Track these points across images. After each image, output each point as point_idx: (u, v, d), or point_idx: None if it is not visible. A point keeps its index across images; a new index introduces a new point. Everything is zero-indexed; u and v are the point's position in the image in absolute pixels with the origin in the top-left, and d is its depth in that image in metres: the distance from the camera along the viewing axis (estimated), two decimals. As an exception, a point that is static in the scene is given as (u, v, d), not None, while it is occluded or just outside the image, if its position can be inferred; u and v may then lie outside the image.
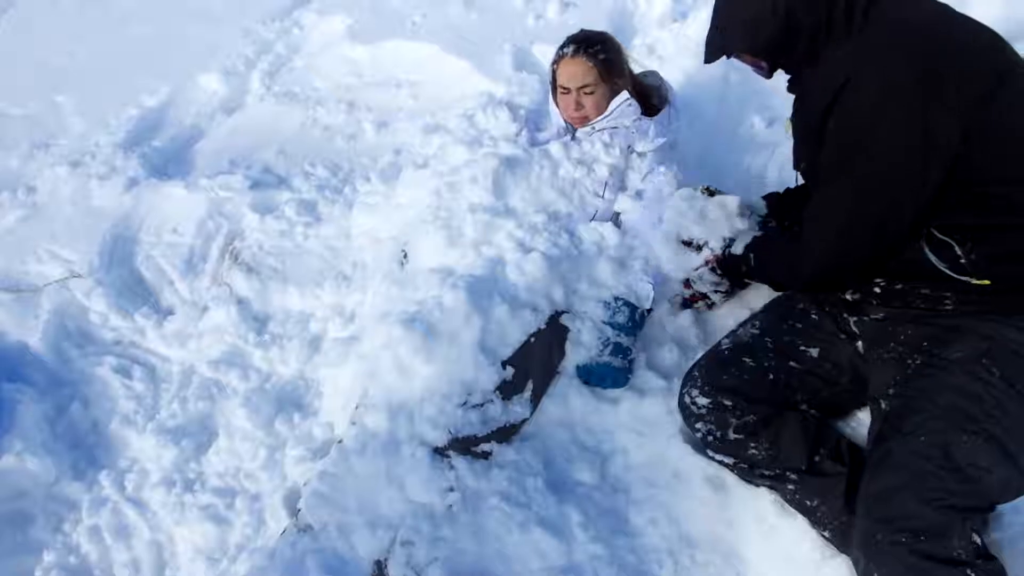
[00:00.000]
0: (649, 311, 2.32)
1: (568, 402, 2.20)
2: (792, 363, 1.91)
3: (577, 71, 2.50)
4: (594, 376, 2.17)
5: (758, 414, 1.84)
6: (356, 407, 2.09)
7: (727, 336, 2.07)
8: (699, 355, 2.13)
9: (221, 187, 3.16)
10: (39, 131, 3.92)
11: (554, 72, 2.60)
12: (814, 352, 1.92)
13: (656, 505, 1.98)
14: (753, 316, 2.12)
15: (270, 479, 2.23)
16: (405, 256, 2.49)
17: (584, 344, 2.18)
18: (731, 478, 1.95)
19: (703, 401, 1.90)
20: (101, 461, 2.42)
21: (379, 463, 1.90)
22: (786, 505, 1.86)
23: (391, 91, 3.86)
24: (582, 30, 2.62)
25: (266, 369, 2.58)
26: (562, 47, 2.56)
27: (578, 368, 2.18)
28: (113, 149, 3.59)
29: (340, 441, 2.02)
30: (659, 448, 2.05)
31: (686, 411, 1.95)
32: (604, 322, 2.21)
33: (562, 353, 2.18)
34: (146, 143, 3.68)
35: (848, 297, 1.89)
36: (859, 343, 1.90)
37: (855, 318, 1.90)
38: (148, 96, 4.03)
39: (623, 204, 2.43)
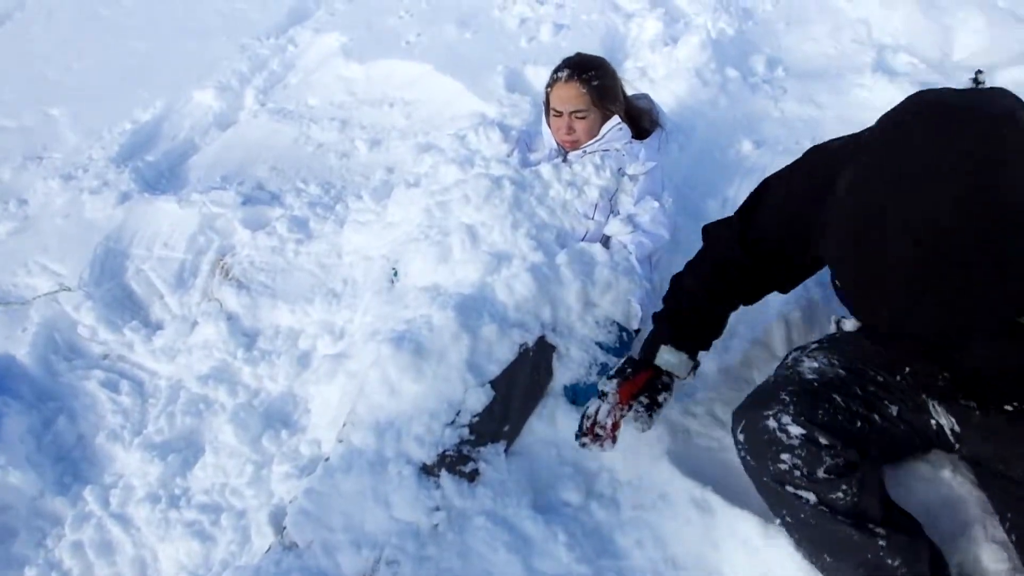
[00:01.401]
0: (637, 332, 2.33)
1: (555, 422, 2.20)
2: (875, 414, 1.74)
3: (570, 96, 2.53)
4: (581, 396, 2.17)
5: (848, 457, 1.65)
6: (343, 424, 2.09)
7: (796, 367, 1.84)
8: (760, 379, 1.95)
9: (213, 202, 3.17)
10: (32, 143, 3.93)
11: (548, 94, 2.63)
12: (894, 410, 1.75)
13: (642, 526, 1.98)
14: (820, 351, 1.87)
15: (256, 496, 2.22)
16: (395, 274, 2.50)
17: (572, 364, 2.19)
18: (717, 501, 1.95)
19: (796, 431, 1.66)
20: (86, 476, 2.41)
21: (365, 481, 1.90)
22: (770, 527, 1.85)
23: (384, 110, 3.89)
24: (578, 53, 2.65)
25: (254, 385, 2.57)
26: (557, 70, 2.59)
27: (565, 388, 2.19)
28: (106, 163, 3.60)
29: (327, 459, 2.01)
30: (645, 469, 2.06)
31: (770, 437, 1.68)
32: (592, 343, 2.22)
33: (550, 373, 2.19)
34: (139, 157, 3.70)
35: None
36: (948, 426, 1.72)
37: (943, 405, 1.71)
38: (142, 111, 4.05)
39: (613, 226, 2.45)
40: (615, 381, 1.91)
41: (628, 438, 2.13)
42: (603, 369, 2.18)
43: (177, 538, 2.15)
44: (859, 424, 1.71)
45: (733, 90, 3.59)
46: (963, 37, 3.80)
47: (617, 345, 2.24)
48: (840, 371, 1.79)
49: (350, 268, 2.81)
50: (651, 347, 1.94)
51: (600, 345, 2.22)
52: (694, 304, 1.94)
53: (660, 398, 1.92)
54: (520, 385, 2.10)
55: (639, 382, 1.91)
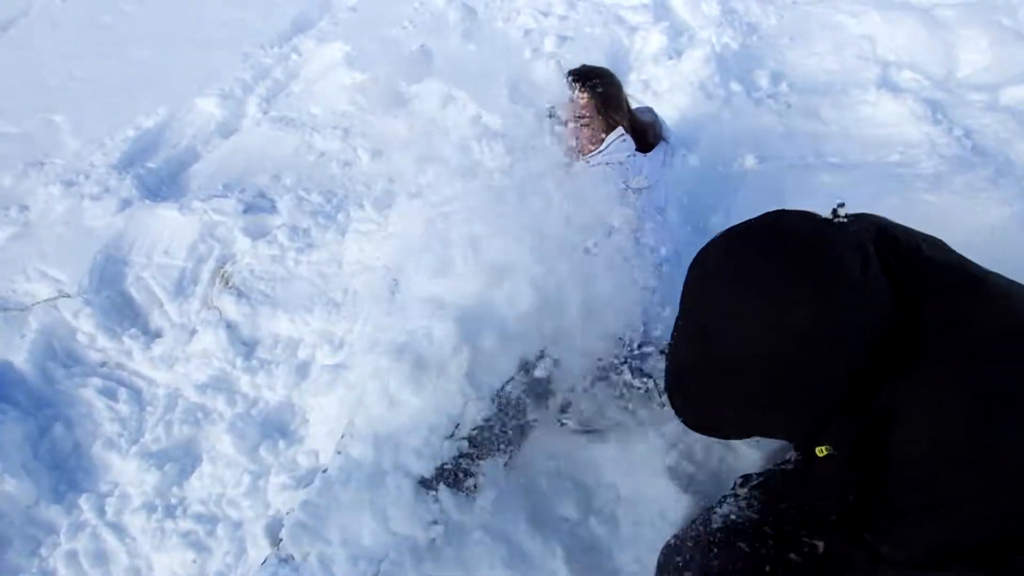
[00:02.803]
0: (639, 347, 2.31)
1: (556, 436, 2.19)
2: (791, 554, 1.64)
3: (574, 102, 2.54)
4: (582, 411, 2.16)
5: None
6: (342, 436, 2.08)
7: (710, 513, 1.76)
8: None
9: (214, 210, 3.16)
10: (34, 150, 3.92)
11: (553, 103, 2.63)
12: (820, 546, 1.61)
13: (641, 543, 1.96)
14: (738, 493, 1.79)
15: (252, 507, 2.21)
16: (396, 285, 2.49)
17: (573, 378, 2.17)
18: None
19: None
20: (82, 484, 2.39)
21: (363, 494, 1.88)
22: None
23: (387, 119, 3.88)
24: (583, 64, 2.66)
25: (253, 395, 2.56)
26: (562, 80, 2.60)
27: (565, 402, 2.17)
28: (107, 170, 3.59)
29: (324, 470, 2.00)
30: (645, 486, 2.04)
31: None
32: (593, 356, 2.20)
33: (551, 387, 2.17)
34: (141, 164, 3.69)
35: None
36: None
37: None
38: (145, 118, 4.05)
39: (616, 239, 2.44)
40: None
41: (628, 455, 2.12)
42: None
43: (172, 548, 2.14)
44: (767, 569, 1.61)
45: (737, 104, 3.59)
46: (967, 55, 3.81)
47: (619, 360, 2.23)
48: (753, 514, 1.72)
49: (350, 278, 2.81)
50: None
51: (600, 359, 2.21)
52: None
53: None
54: (520, 399, 2.08)
55: None
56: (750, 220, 1.30)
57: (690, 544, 1.71)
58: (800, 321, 1.17)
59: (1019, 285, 1.35)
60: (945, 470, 1.18)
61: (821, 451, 1.39)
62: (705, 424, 1.42)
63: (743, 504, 1.74)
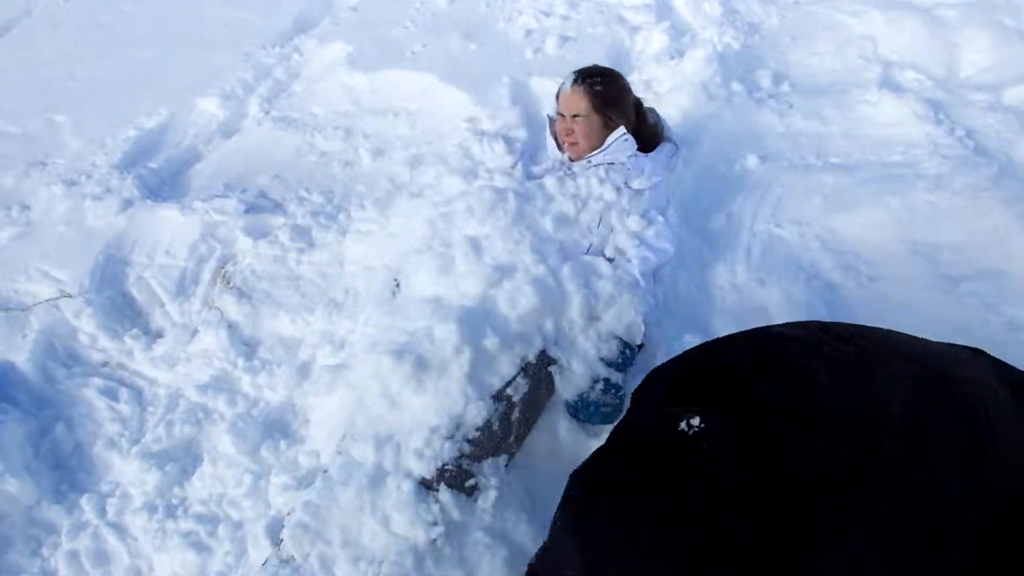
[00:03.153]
0: (640, 347, 2.31)
1: (557, 436, 2.18)
2: None
3: (571, 99, 2.58)
4: (584, 412, 2.16)
5: None
6: (343, 436, 2.08)
7: None
8: None
9: (215, 210, 3.16)
10: (36, 150, 3.92)
11: (557, 100, 2.66)
12: None
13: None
14: None
15: (253, 507, 2.20)
16: (397, 285, 2.49)
17: (574, 379, 2.17)
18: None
19: None
20: (83, 484, 2.39)
21: (364, 495, 1.88)
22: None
23: (388, 119, 3.88)
24: (593, 64, 2.69)
25: (254, 395, 2.56)
26: (566, 77, 2.62)
27: (567, 403, 2.17)
28: (109, 170, 3.59)
29: (325, 471, 2.00)
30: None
31: None
32: (595, 357, 2.20)
33: (551, 387, 2.17)
34: (142, 164, 3.69)
35: None
36: None
37: None
38: (146, 118, 4.05)
39: (617, 240, 2.44)
40: None
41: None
42: (605, 385, 2.16)
43: (173, 548, 2.13)
44: None
45: (738, 104, 3.59)
46: (969, 55, 3.81)
47: (620, 360, 2.23)
48: None
49: (352, 278, 2.80)
50: None
51: (602, 360, 2.21)
52: None
53: None
54: (521, 399, 2.08)
55: None
56: None
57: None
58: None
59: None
60: None
61: None
62: None
63: None
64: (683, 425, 1.24)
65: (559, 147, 2.69)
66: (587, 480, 1.33)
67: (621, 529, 1.24)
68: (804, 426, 1.26)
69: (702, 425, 1.23)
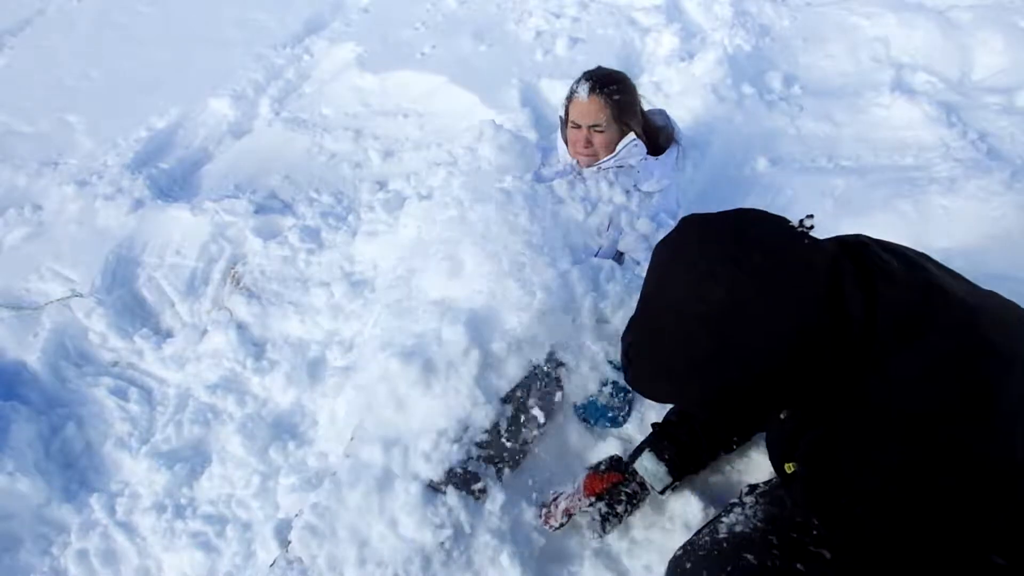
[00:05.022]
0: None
1: (566, 439, 2.18)
2: (798, 563, 1.60)
3: (590, 109, 2.53)
4: (592, 415, 2.15)
5: None
6: (351, 438, 2.08)
7: (717, 523, 1.75)
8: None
9: (225, 211, 3.17)
10: (48, 149, 3.95)
11: (567, 107, 2.61)
12: (827, 553, 1.59)
13: (652, 549, 1.95)
14: (745, 501, 1.77)
15: (262, 508, 2.21)
16: (406, 287, 2.49)
17: (582, 381, 2.16)
18: (727, 523, 1.92)
19: None
20: (93, 483, 2.41)
21: (372, 497, 1.88)
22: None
23: (398, 121, 3.89)
24: (600, 67, 2.64)
25: (263, 395, 2.56)
26: (578, 83, 2.58)
27: (575, 406, 2.16)
28: (120, 170, 3.61)
29: (334, 473, 2.00)
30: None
31: None
32: (603, 360, 2.20)
33: (560, 390, 2.16)
34: (153, 164, 3.71)
35: None
36: None
37: None
38: (158, 118, 4.07)
39: (627, 243, 2.43)
40: (587, 471, 1.94)
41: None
42: (614, 388, 2.15)
43: (182, 548, 2.14)
44: None
45: (749, 107, 3.57)
46: (982, 57, 3.77)
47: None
48: (758, 523, 1.70)
49: (361, 279, 2.80)
50: (636, 450, 1.94)
51: (611, 363, 2.20)
52: (690, 429, 1.92)
53: (620, 508, 1.91)
54: (529, 402, 2.08)
55: (606, 481, 1.91)
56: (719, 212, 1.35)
57: (699, 555, 1.70)
58: (717, 296, 1.20)
59: (989, 301, 1.36)
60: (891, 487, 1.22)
61: (789, 468, 1.44)
62: (644, 389, 1.43)
63: (749, 513, 1.74)
64: (794, 222, 1.28)
65: (570, 152, 2.67)
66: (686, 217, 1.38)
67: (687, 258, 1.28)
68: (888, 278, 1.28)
69: (813, 228, 1.27)
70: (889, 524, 1.25)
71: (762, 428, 1.72)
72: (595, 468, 1.95)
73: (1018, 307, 1.44)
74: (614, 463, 1.95)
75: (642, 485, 1.92)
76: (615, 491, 1.91)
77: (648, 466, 1.89)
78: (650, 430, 2.02)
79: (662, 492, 1.91)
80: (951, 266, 2.56)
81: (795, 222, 1.27)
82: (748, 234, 1.26)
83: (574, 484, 1.95)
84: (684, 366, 1.28)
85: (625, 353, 1.39)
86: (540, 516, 1.96)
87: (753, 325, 1.20)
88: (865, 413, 1.26)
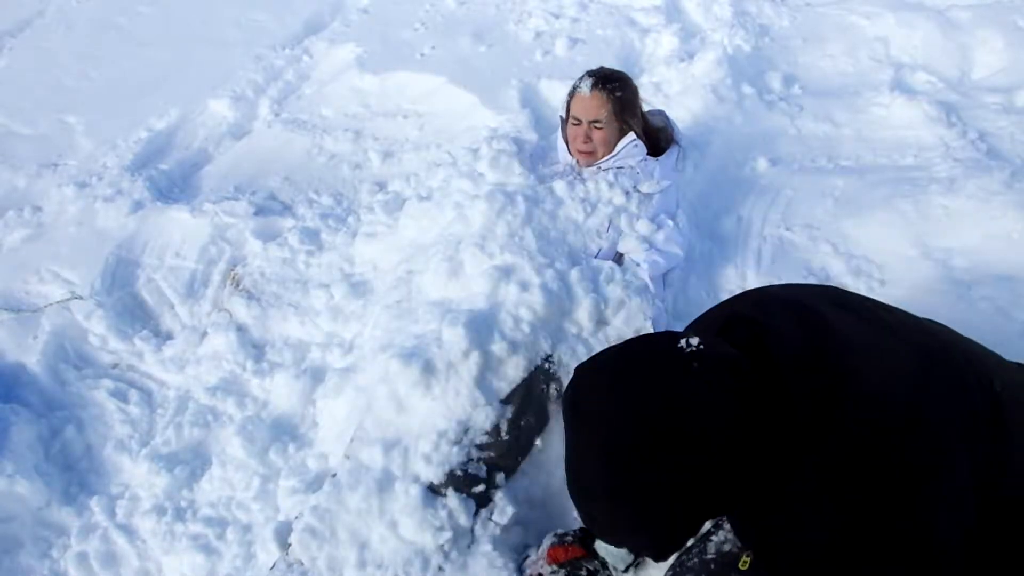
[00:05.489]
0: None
1: (565, 441, 2.17)
2: None
3: (591, 105, 2.54)
4: (592, 416, 2.15)
5: None
6: (351, 440, 2.08)
7: (706, 542, 1.74)
8: None
9: (225, 212, 3.17)
10: (48, 151, 3.95)
11: (568, 104, 2.62)
12: None
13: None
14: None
15: (262, 510, 2.21)
16: (406, 288, 2.49)
17: (582, 383, 2.16)
18: (727, 524, 1.92)
19: None
20: (93, 486, 2.40)
21: (372, 499, 1.88)
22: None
23: (398, 121, 3.88)
24: (601, 67, 2.66)
25: (263, 397, 2.56)
26: (580, 79, 2.60)
27: (576, 408, 2.16)
28: (120, 171, 3.61)
29: (334, 475, 2.00)
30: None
31: None
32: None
33: (559, 392, 2.16)
34: (153, 166, 3.71)
35: None
36: None
37: None
38: (157, 119, 4.07)
39: (627, 244, 2.43)
40: (552, 538, 1.91)
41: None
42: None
43: (182, 551, 2.14)
44: None
45: (749, 107, 3.57)
46: (982, 56, 3.77)
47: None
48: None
49: (360, 281, 2.80)
50: None
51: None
52: None
53: None
54: (529, 404, 2.08)
55: (568, 553, 1.87)
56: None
57: (695, 570, 1.71)
58: (619, 465, 1.18)
59: (906, 359, 1.33)
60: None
61: (744, 563, 1.47)
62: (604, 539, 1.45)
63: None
64: (682, 343, 1.23)
65: (569, 151, 2.67)
66: (582, 365, 1.35)
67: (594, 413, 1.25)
68: (812, 366, 1.26)
69: (700, 347, 1.22)
70: None
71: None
72: (561, 537, 1.91)
73: (951, 341, 1.43)
74: (579, 536, 1.91)
75: (604, 564, 1.88)
76: (576, 564, 1.87)
77: (608, 547, 1.84)
78: None
79: (625, 571, 1.87)
80: (951, 266, 2.57)
81: (683, 343, 1.24)
82: (637, 386, 1.22)
83: (538, 549, 1.92)
84: (621, 530, 1.30)
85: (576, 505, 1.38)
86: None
87: (667, 460, 1.17)
88: (794, 505, 1.26)
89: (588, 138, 2.56)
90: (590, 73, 2.61)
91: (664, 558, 1.45)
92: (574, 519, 2.03)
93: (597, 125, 2.54)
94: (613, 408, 1.20)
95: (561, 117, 2.74)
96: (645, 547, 1.40)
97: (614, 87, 2.55)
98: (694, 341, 1.22)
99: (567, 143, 2.68)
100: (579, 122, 2.57)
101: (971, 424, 1.28)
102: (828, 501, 1.22)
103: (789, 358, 1.27)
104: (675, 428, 1.17)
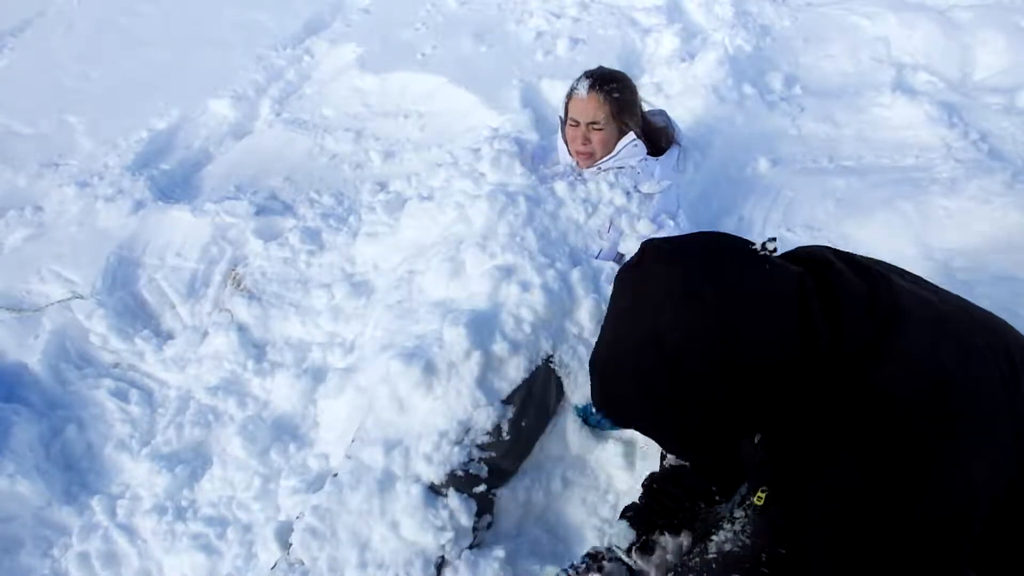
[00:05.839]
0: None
1: (566, 441, 2.18)
2: None
3: (589, 107, 2.53)
4: (592, 416, 2.15)
5: None
6: (352, 440, 2.08)
7: (707, 542, 1.70)
8: None
9: (226, 212, 3.17)
10: (49, 151, 3.95)
11: (567, 105, 2.62)
12: None
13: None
14: (735, 516, 1.69)
15: (263, 510, 2.20)
16: (407, 288, 2.49)
17: (583, 383, 2.16)
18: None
19: None
20: (94, 486, 2.40)
21: (373, 499, 1.88)
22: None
23: (399, 121, 3.89)
24: (600, 66, 2.65)
25: (264, 397, 2.56)
26: (578, 81, 2.58)
27: (576, 408, 2.16)
28: (121, 171, 3.62)
29: (335, 475, 2.00)
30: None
31: None
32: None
33: (560, 392, 2.16)
34: (154, 166, 3.71)
35: None
36: None
37: None
38: (158, 119, 4.07)
39: (627, 245, 2.43)
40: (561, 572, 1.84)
41: (636, 461, 2.11)
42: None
43: (183, 551, 2.13)
44: None
45: (750, 107, 3.57)
46: (983, 57, 3.78)
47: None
48: (746, 539, 1.67)
49: (361, 281, 2.80)
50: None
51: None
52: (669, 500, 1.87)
53: None
54: (530, 404, 2.08)
55: None
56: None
57: (695, 570, 1.69)
58: (680, 326, 1.19)
59: (955, 315, 1.34)
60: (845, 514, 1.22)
61: (759, 497, 1.45)
62: (611, 412, 1.41)
63: (738, 529, 1.71)
64: (756, 244, 1.25)
65: (569, 152, 2.67)
66: (653, 241, 1.35)
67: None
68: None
69: (774, 251, 1.24)
70: (850, 547, 1.23)
71: (730, 459, 1.71)
72: (565, 571, 1.85)
73: (985, 316, 1.44)
74: (587, 562, 1.85)
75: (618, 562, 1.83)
76: None
77: (612, 530, 1.84)
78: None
79: (628, 551, 1.83)
80: (952, 267, 2.58)
81: (758, 245, 1.25)
82: (712, 262, 1.23)
83: None
84: (642, 395, 1.25)
85: (592, 374, 1.37)
86: None
87: (716, 356, 1.18)
88: (827, 438, 1.25)
89: (587, 140, 2.56)
90: (587, 74, 2.59)
91: (685, 455, 1.41)
92: (574, 518, 2.03)
93: (595, 127, 2.54)
94: (679, 289, 1.20)
95: (560, 117, 2.74)
96: (667, 440, 1.39)
97: (611, 88, 2.53)
98: (770, 245, 1.23)
99: (567, 144, 2.68)
100: (577, 123, 2.57)
101: (1009, 386, 1.27)
102: (861, 441, 1.21)
103: (849, 295, 1.27)
104: (734, 323, 1.17)
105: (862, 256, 1.41)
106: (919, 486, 1.18)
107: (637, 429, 1.39)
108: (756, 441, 1.45)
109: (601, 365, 1.32)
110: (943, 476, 1.18)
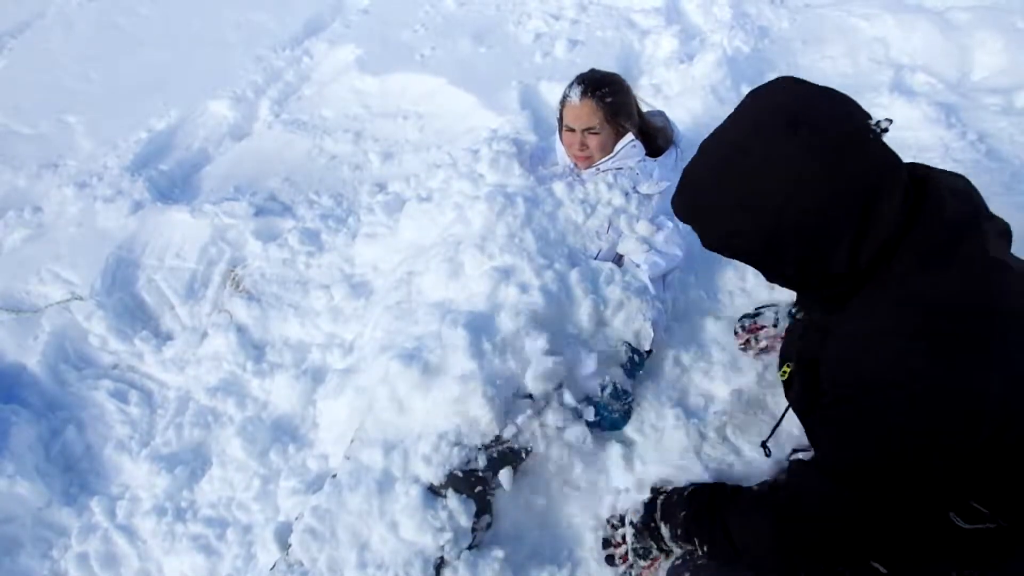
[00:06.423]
0: (649, 352, 2.30)
1: (564, 442, 2.17)
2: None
3: (583, 113, 2.52)
4: (608, 418, 2.15)
5: None
6: (351, 441, 2.08)
7: None
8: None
9: (225, 213, 3.17)
10: (48, 151, 3.96)
11: (561, 111, 2.61)
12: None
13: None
14: None
15: (262, 511, 2.21)
16: (406, 289, 2.49)
17: (583, 385, 2.16)
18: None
19: None
20: (93, 487, 2.40)
21: (372, 500, 1.89)
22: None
23: (398, 122, 3.89)
24: (592, 69, 2.63)
25: (263, 398, 2.56)
26: (570, 86, 2.57)
27: (576, 408, 2.16)
28: (120, 171, 3.62)
29: (334, 475, 2.00)
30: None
31: None
32: (604, 363, 2.20)
33: (560, 392, 2.16)
34: (153, 166, 3.72)
35: None
36: None
37: None
38: (157, 120, 4.07)
39: (626, 245, 2.43)
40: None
41: (636, 461, 2.11)
42: (614, 391, 2.15)
43: (182, 552, 2.14)
44: None
45: (748, 108, 3.56)
46: (982, 57, 3.78)
47: (628, 366, 2.22)
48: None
49: (361, 282, 2.80)
50: None
51: (620, 365, 2.20)
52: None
53: None
54: (530, 404, 2.08)
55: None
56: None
57: (697, 564, 1.72)
58: (790, 152, 1.29)
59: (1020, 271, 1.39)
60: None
61: (784, 372, 1.57)
62: (699, 214, 1.52)
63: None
64: (872, 120, 1.32)
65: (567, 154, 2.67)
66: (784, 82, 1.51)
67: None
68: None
69: (887, 131, 1.32)
70: (863, 426, 1.31)
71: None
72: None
73: None
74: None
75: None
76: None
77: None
78: (648, 430, 2.04)
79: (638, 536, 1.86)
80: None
81: (873, 121, 1.32)
82: (835, 112, 1.32)
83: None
84: (737, 202, 1.36)
85: (689, 174, 1.51)
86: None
87: (809, 189, 1.27)
88: (863, 325, 1.34)
89: (584, 145, 2.55)
90: (579, 79, 2.56)
91: (749, 255, 1.46)
92: (574, 519, 2.04)
93: (591, 132, 2.53)
94: (782, 120, 1.32)
95: (557, 119, 2.74)
96: (737, 229, 1.41)
97: (604, 92, 2.52)
98: (884, 123, 1.31)
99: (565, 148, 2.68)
100: (573, 130, 2.56)
101: None
102: (894, 336, 1.28)
103: (937, 202, 1.36)
104: (844, 164, 1.26)
105: (968, 190, 1.53)
106: (934, 387, 1.24)
107: (719, 227, 1.46)
108: (795, 312, 1.57)
109: (714, 164, 1.46)
110: (959, 381, 1.24)
